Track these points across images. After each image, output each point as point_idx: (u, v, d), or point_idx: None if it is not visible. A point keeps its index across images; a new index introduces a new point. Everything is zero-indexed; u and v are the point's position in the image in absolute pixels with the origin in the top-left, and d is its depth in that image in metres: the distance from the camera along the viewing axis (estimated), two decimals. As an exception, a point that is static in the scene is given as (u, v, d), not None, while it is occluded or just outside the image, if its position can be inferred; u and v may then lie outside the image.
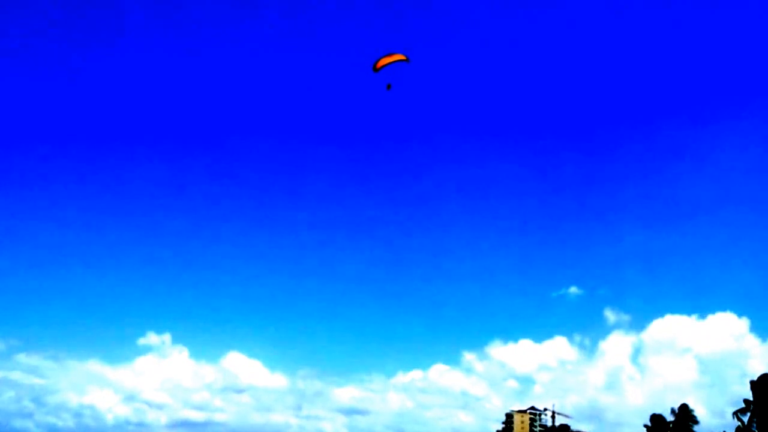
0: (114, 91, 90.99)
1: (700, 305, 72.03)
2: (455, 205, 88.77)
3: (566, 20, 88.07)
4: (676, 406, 43.24)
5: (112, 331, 79.71)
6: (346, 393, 75.60)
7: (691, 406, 42.46)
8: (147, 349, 78.49)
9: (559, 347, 67.05)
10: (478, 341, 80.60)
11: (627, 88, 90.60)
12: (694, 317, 59.86)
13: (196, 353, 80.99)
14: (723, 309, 60.69)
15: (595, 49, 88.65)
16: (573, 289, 70.60)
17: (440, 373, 74.92)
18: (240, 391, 73.68)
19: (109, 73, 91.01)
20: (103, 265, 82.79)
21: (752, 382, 37.46)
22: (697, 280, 76.41)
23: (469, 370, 75.12)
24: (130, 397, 70.79)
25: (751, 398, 37.51)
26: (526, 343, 70.97)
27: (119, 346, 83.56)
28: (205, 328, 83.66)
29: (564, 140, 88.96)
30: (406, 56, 24.29)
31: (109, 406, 68.92)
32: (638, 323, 72.98)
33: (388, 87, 25.25)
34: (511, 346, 69.60)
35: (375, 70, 24.48)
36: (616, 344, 63.04)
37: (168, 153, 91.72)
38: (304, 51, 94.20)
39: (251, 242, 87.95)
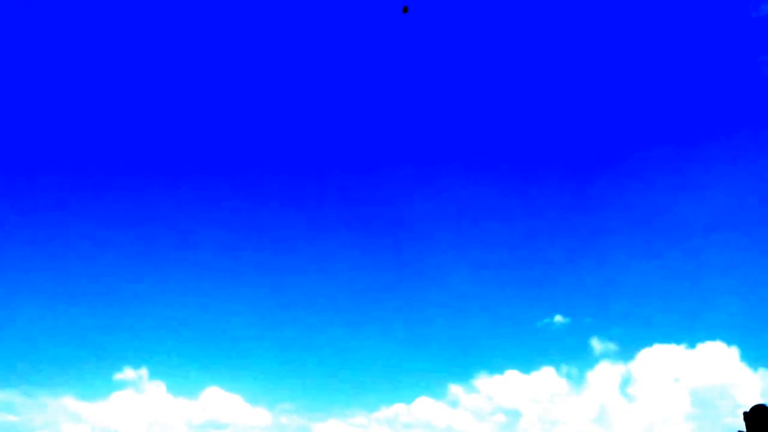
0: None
1: (688, 334, 70.20)
2: (437, 234, 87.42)
3: (551, 39, 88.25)
4: (667, 439, 41.76)
5: (88, 366, 76.77)
6: (328, 429, 73.01)
7: (683, 438, 41.02)
8: (123, 385, 75.63)
9: (547, 378, 65.13)
10: (463, 373, 78.29)
11: (612, 109, 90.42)
12: (682, 346, 58.35)
13: (174, 388, 77.96)
14: (712, 338, 59.18)
15: (579, 66, 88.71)
16: (558, 318, 68.92)
17: (425, 406, 72.58)
18: (220, 427, 71.01)
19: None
20: (76, 298, 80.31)
21: (745, 413, 36.21)
22: (684, 308, 74.87)
23: (454, 403, 72.83)
24: (106, 435, 67.33)
25: (744, 429, 36.30)
26: (513, 374, 69.05)
27: (95, 381, 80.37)
28: (182, 361, 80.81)
29: (547, 164, 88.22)
30: None
31: (85, 445, 65.56)
32: (626, 353, 71.09)
33: (405, 10, 23.04)
34: (497, 378, 67.52)
35: None
36: (604, 375, 61.23)
37: (138, 179, 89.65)
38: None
39: (228, 273, 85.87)
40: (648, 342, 60.73)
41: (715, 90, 76.95)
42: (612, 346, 63.46)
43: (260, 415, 72.91)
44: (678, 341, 58.48)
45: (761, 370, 52.89)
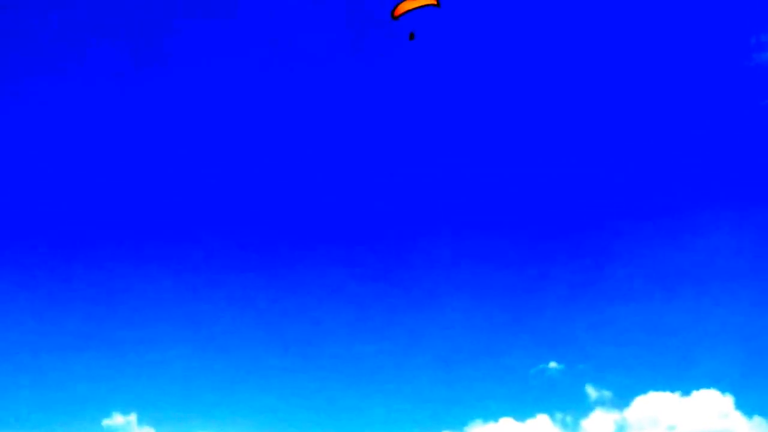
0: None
1: (683, 382, 70.09)
2: (430, 281, 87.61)
3: (539, 89, 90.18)
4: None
5: (76, 411, 75.72)
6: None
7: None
8: (112, 431, 74.43)
9: (542, 426, 64.62)
10: (457, 421, 77.54)
11: (606, 156, 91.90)
12: (677, 394, 58.29)
13: (163, 435, 76.87)
14: (707, 386, 59.20)
15: (576, 118, 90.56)
16: (552, 364, 68.75)
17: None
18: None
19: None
20: (64, 342, 79.73)
21: (741, 462, 36.15)
22: (679, 355, 74.89)
23: (449, 453, 71.95)
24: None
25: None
26: (507, 422, 68.49)
27: (83, 427, 79.15)
28: (172, 407, 79.81)
29: (542, 212, 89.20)
30: None
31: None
32: (621, 400, 70.88)
33: (411, 37, 21.71)
34: (491, 426, 66.92)
35: (394, 17, 20.78)
36: (599, 422, 60.94)
37: (124, 225, 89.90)
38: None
39: (220, 318, 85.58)
40: (643, 389, 60.48)
41: (710, 136, 78.45)
42: (607, 394, 63.09)
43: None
44: (673, 389, 58.32)
45: (756, 418, 52.98)
